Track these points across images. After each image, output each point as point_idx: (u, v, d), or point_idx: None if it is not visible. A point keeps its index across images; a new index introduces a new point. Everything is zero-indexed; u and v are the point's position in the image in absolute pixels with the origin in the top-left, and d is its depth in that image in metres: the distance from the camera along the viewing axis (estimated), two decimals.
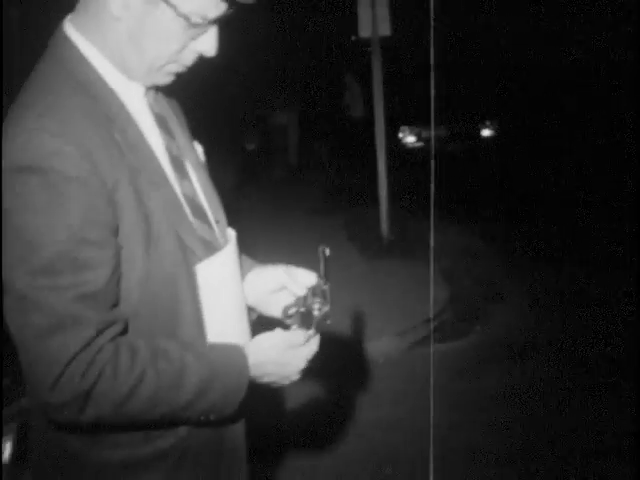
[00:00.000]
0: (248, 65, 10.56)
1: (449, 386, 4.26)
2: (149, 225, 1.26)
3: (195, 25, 1.25)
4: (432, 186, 1.86)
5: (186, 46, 1.29)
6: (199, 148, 1.55)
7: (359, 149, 10.07)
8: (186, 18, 1.23)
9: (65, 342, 1.15)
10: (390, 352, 4.89)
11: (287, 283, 1.52)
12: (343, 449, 3.68)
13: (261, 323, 1.61)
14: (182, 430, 1.36)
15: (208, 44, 1.30)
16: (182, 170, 1.41)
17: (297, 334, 1.39)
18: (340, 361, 4.72)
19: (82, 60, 1.27)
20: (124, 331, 1.26)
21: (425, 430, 3.64)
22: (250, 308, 1.60)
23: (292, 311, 1.43)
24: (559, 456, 3.52)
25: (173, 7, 1.22)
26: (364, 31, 6.67)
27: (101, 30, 1.27)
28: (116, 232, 1.22)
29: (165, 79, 1.35)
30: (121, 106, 1.29)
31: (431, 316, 3.79)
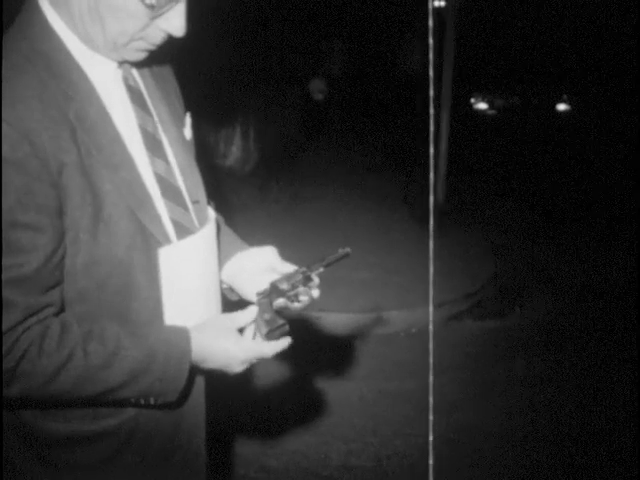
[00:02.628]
0: (304, 16, 10.39)
1: (475, 365, 4.21)
2: (99, 208, 1.23)
3: (150, 6, 1.19)
4: (431, 198, 1.78)
5: (149, 25, 1.23)
6: (188, 122, 1.49)
7: (414, 105, 9.89)
8: None
9: None
10: (424, 323, 4.83)
11: (276, 264, 1.50)
12: (347, 419, 3.66)
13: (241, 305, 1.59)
14: (130, 410, 1.37)
15: (174, 24, 1.23)
16: (157, 148, 1.36)
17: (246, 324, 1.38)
18: (371, 326, 4.71)
19: (49, 32, 1.23)
20: (60, 312, 1.26)
21: (437, 405, 3.61)
22: (231, 290, 1.58)
23: (262, 291, 1.40)
24: (580, 447, 3.44)
25: None
26: None
27: (68, 3, 1.22)
28: (59, 215, 1.19)
29: (135, 56, 1.29)
30: (85, 82, 1.25)
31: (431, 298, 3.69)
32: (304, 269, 1.42)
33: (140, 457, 1.41)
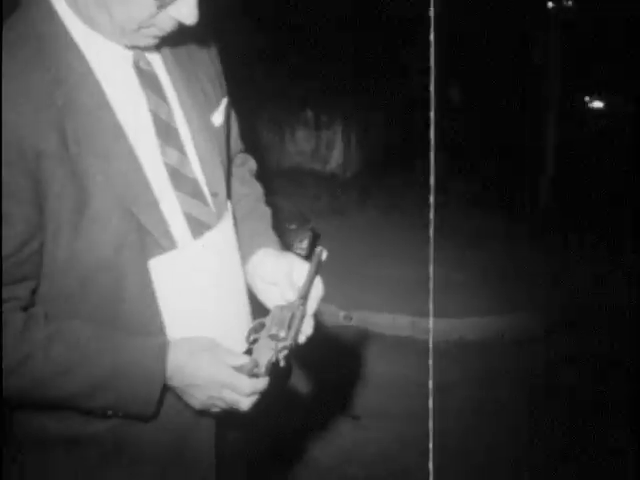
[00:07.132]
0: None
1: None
2: (85, 202, 1.15)
3: None
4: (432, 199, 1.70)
5: (158, 12, 1.17)
6: (222, 106, 1.40)
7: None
8: None
9: None
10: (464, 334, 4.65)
11: (282, 281, 1.36)
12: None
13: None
14: (114, 420, 1.28)
15: (184, 11, 1.18)
16: (170, 136, 1.27)
17: (242, 381, 1.22)
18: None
19: (50, 14, 1.19)
20: (29, 307, 1.20)
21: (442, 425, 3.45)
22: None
23: (255, 336, 1.26)
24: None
25: None
26: None
27: None
28: (33, 206, 1.14)
29: (146, 41, 1.23)
30: (81, 64, 1.19)
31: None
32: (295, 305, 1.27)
33: (128, 473, 1.32)
